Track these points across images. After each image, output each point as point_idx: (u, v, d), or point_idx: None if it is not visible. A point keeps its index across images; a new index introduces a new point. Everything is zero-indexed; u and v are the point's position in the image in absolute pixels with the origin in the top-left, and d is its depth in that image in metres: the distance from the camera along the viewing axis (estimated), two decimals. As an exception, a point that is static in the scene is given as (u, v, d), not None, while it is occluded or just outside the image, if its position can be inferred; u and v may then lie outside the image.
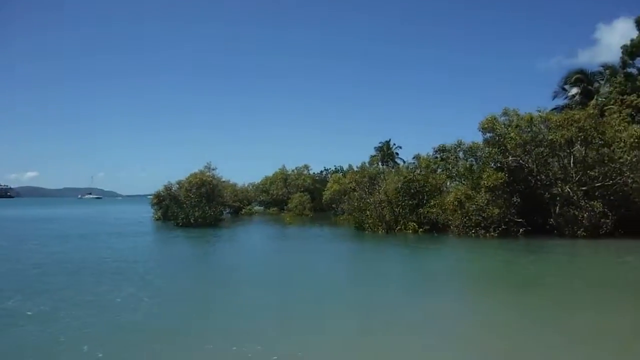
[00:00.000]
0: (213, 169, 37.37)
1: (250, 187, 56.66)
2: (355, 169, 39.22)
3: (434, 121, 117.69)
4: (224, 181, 41.56)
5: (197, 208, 31.71)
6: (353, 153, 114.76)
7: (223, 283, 12.32)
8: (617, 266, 14.29)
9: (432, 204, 24.45)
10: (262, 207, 56.53)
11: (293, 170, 55.40)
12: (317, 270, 14.47)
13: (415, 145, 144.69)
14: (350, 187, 31.45)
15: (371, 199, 27.01)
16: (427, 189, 25.47)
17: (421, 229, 24.13)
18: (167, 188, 36.92)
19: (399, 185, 26.48)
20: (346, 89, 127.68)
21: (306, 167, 55.53)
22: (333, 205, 38.62)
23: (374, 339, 7.16)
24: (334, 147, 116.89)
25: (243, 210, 49.58)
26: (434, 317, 8.43)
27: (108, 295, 10.09)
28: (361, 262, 17.07)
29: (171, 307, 9.37)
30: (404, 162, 52.96)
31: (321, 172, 57.20)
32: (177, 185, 36.78)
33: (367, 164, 36.59)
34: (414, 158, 31.29)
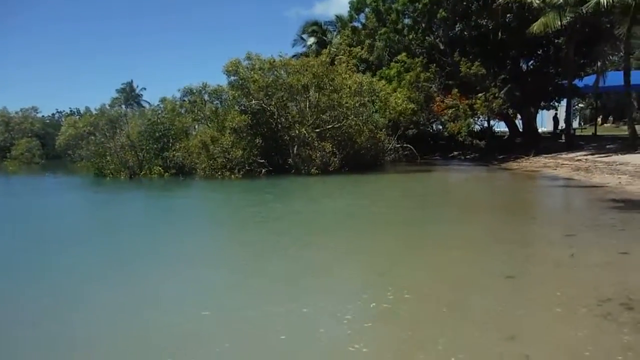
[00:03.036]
0: None
1: (-42, 132, 47.11)
2: (94, 111, 35.81)
3: (181, 64, 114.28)
4: None
5: None
6: (91, 94, 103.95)
7: None
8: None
9: (177, 147, 23.84)
10: (-25, 157, 47.74)
11: (17, 113, 47.82)
12: (53, 221, 12.58)
13: (162, 87, 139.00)
14: (88, 131, 28.65)
15: (112, 144, 25.06)
16: (172, 132, 24.65)
17: (167, 173, 23.42)
18: None
19: (143, 129, 25.09)
20: (82, 24, 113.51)
21: (34, 109, 48.60)
22: (69, 152, 34.68)
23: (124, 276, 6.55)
24: (69, 88, 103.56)
25: (-52, 160, 41.04)
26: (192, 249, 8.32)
27: None
28: (102, 208, 15.65)
29: None
30: (150, 105, 50.45)
31: (53, 114, 50.99)
32: None
33: (107, 106, 33.78)
34: (160, 101, 29.83)
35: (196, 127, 26.73)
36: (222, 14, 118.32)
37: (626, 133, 23.67)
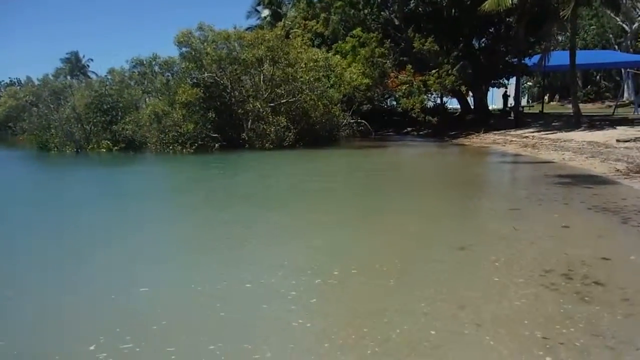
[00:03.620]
0: None
1: None
2: (37, 82, 34.08)
3: (131, 36, 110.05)
4: None
5: None
6: (34, 64, 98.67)
7: None
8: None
9: (127, 120, 22.99)
10: None
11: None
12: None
13: (110, 60, 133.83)
14: (30, 102, 27.29)
15: (56, 116, 23.96)
16: (121, 105, 23.75)
17: (116, 147, 22.64)
18: None
19: (90, 100, 24.03)
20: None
21: (-29, 78, 45.72)
22: (9, 124, 33.01)
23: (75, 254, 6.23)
24: (8, 57, 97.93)
25: None
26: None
27: None
28: (42, 184, 14.92)
29: None
30: (98, 76, 48.38)
31: (-8, 85, 48.11)
32: None
33: (51, 77, 32.17)
34: (108, 72, 28.62)
35: (146, 99, 25.84)
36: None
37: (571, 111, 24.46)
